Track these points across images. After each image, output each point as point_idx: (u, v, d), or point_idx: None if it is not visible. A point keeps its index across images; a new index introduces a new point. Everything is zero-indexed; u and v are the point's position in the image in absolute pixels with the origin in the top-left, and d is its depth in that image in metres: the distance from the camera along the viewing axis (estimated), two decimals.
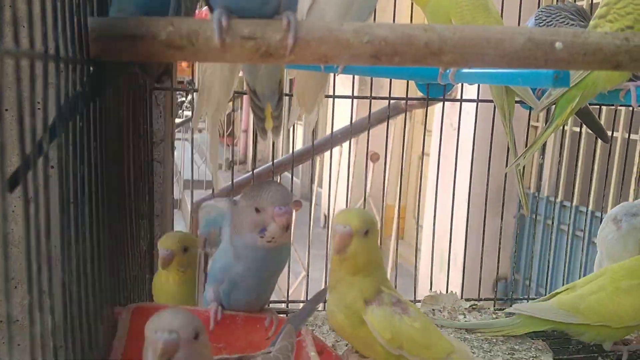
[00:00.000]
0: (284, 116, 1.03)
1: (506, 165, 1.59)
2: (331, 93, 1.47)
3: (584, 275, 1.66)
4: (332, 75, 1.30)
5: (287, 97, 1.32)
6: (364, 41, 0.78)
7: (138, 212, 1.24)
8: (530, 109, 1.46)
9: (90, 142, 0.81)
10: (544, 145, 3.29)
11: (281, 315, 1.04)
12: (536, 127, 3.46)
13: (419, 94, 1.50)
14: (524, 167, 1.27)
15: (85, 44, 0.76)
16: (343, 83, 1.68)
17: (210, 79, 1.22)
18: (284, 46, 0.76)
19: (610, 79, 1.07)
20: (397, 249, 1.80)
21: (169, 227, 1.65)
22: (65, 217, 0.72)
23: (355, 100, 1.65)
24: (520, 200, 1.35)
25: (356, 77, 1.93)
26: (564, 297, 1.25)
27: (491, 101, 1.45)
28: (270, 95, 0.96)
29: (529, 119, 1.72)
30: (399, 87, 1.68)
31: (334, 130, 1.68)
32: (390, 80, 1.49)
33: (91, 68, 0.82)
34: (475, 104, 1.54)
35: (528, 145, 1.22)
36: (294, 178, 5.91)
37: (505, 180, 1.58)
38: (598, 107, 1.67)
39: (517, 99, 1.34)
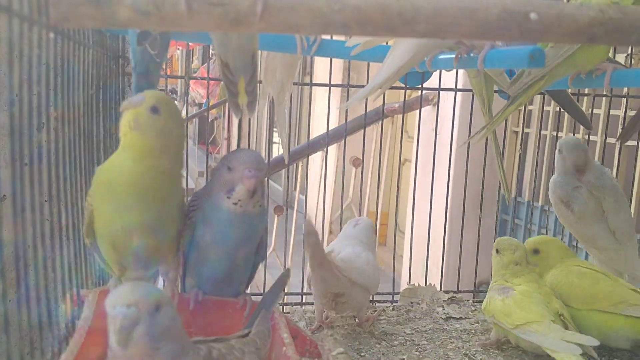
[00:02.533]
0: (258, 92, 1.01)
1: (484, 171, 1.59)
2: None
3: None
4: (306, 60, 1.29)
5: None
6: (335, 9, 0.76)
7: None
8: (509, 98, 1.45)
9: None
10: (525, 149, 3.31)
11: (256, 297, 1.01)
12: (516, 132, 3.47)
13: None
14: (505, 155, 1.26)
15: (44, 7, 0.73)
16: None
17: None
18: (253, 13, 0.74)
19: (590, 57, 1.05)
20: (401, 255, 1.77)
21: None
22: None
23: (341, 110, 1.62)
24: (502, 202, 1.34)
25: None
26: None
27: (469, 90, 1.45)
28: (243, 68, 0.94)
29: (507, 124, 1.71)
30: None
31: (319, 135, 1.66)
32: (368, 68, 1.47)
33: (51, 35, 0.80)
34: (453, 107, 1.53)
35: (507, 151, 1.21)
36: (276, 185, 5.84)
37: (483, 185, 1.58)
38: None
39: (496, 88, 1.33)
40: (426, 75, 1.43)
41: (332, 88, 1.58)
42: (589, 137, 1.88)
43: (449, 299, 1.45)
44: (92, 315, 0.86)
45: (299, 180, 4.54)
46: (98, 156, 1.13)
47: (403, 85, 1.45)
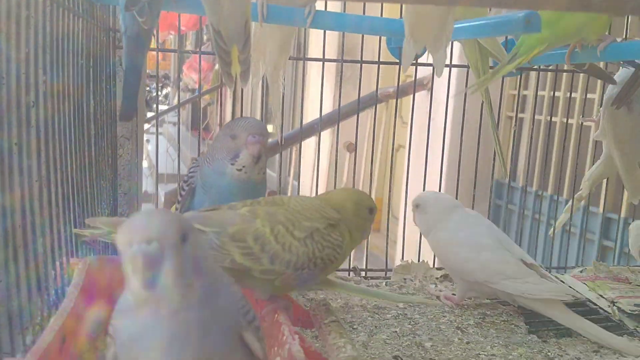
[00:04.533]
0: (250, 61, 0.99)
1: (477, 157, 1.57)
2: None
3: (559, 265, 1.68)
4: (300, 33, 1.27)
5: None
6: None
7: (99, 172, 1.20)
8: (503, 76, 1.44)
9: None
10: (519, 134, 3.30)
11: None
12: (511, 117, 3.47)
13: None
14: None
15: None
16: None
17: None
18: None
19: (592, 27, 1.04)
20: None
21: (134, 204, 1.62)
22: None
23: (338, 93, 1.59)
24: (496, 187, 1.33)
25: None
26: None
27: (464, 66, 1.44)
28: (236, 36, 0.93)
29: (499, 107, 1.70)
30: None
31: (313, 119, 1.64)
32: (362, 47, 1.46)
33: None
34: (447, 92, 1.52)
35: (501, 137, 1.20)
36: (269, 171, 5.82)
37: (476, 170, 1.57)
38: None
39: (491, 63, 1.32)
40: (420, 51, 1.42)
41: (325, 70, 1.56)
42: (581, 125, 1.89)
43: (441, 276, 1.44)
44: (82, 282, 0.85)
45: (292, 165, 4.53)
46: (88, 128, 1.11)
47: (397, 60, 1.43)
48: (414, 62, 1.46)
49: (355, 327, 1.16)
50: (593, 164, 1.65)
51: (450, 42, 1.39)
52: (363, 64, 1.48)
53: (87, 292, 0.86)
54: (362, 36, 1.44)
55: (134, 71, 1.02)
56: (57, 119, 0.92)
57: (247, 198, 0.95)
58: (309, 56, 4.54)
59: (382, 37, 1.44)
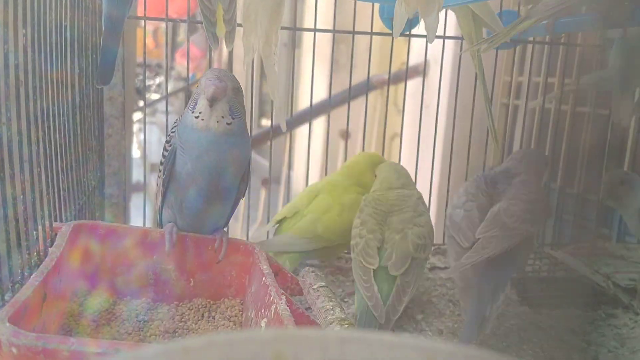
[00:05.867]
0: (236, 19, 0.97)
1: (469, 144, 1.55)
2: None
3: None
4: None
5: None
6: None
7: (84, 140, 1.17)
8: (498, 48, 1.43)
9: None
10: (514, 121, 3.28)
11: (232, 237, 0.98)
12: (507, 105, 3.45)
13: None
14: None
15: None
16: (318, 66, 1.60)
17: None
18: None
19: None
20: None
21: (122, 186, 1.61)
22: None
23: (330, 80, 1.56)
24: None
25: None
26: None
27: (459, 38, 1.43)
28: None
29: (492, 94, 1.67)
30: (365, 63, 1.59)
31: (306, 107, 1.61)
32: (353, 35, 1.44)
33: None
34: (439, 79, 1.50)
35: (496, 127, 1.20)
36: (263, 160, 5.80)
37: (468, 159, 1.55)
38: None
39: (484, 36, 1.30)
40: (414, 22, 1.40)
41: (319, 58, 1.53)
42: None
43: (434, 250, 1.43)
44: (64, 244, 0.83)
45: (286, 153, 4.50)
46: (72, 93, 1.08)
47: (390, 32, 1.41)
48: (407, 33, 1.44)
49: (346, 300, 1.14)
50: (588, 152, 1.62)
51: (444, 12, 1.38)
52: (356, 36, 1.45)
53: (69, 253, 0.85)
54: (355, 7, 1.41)
55: (113, 33, 1.00)
56: (38, 81, 0.89)
57: (215, 154, 0.91)
58: (301, 41, 4.51)
59: (374, 10, 1.41)
